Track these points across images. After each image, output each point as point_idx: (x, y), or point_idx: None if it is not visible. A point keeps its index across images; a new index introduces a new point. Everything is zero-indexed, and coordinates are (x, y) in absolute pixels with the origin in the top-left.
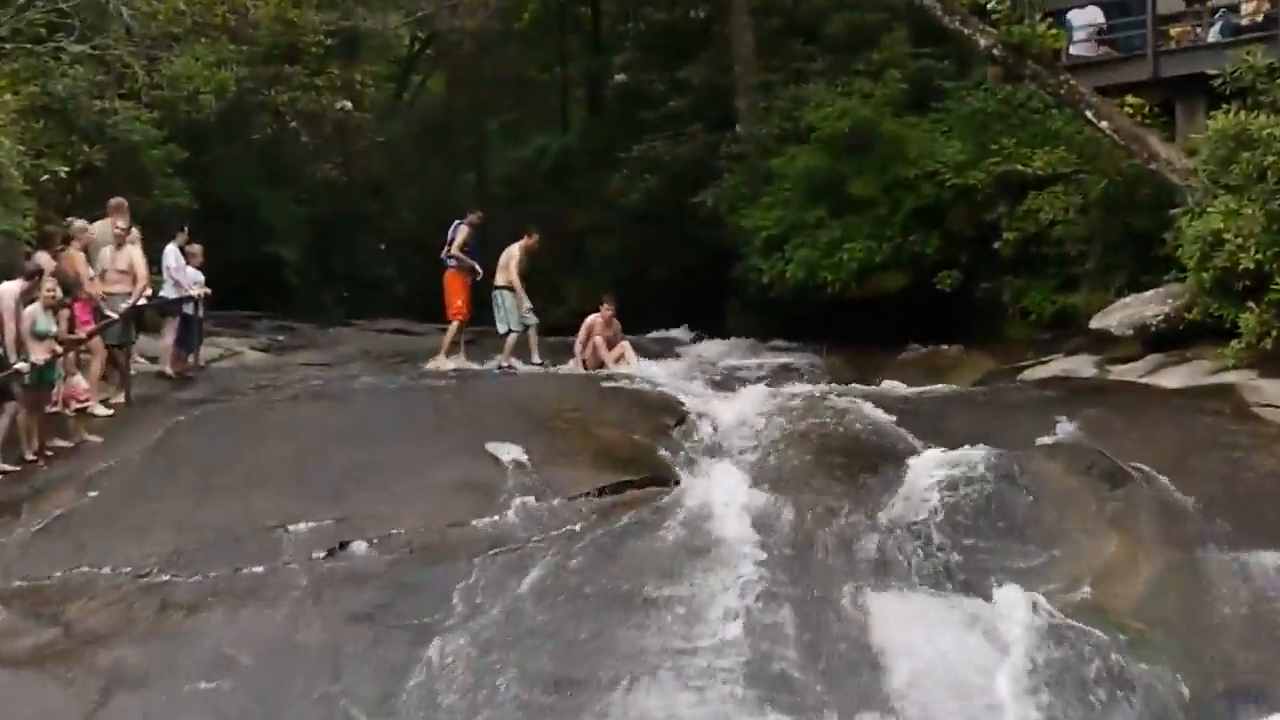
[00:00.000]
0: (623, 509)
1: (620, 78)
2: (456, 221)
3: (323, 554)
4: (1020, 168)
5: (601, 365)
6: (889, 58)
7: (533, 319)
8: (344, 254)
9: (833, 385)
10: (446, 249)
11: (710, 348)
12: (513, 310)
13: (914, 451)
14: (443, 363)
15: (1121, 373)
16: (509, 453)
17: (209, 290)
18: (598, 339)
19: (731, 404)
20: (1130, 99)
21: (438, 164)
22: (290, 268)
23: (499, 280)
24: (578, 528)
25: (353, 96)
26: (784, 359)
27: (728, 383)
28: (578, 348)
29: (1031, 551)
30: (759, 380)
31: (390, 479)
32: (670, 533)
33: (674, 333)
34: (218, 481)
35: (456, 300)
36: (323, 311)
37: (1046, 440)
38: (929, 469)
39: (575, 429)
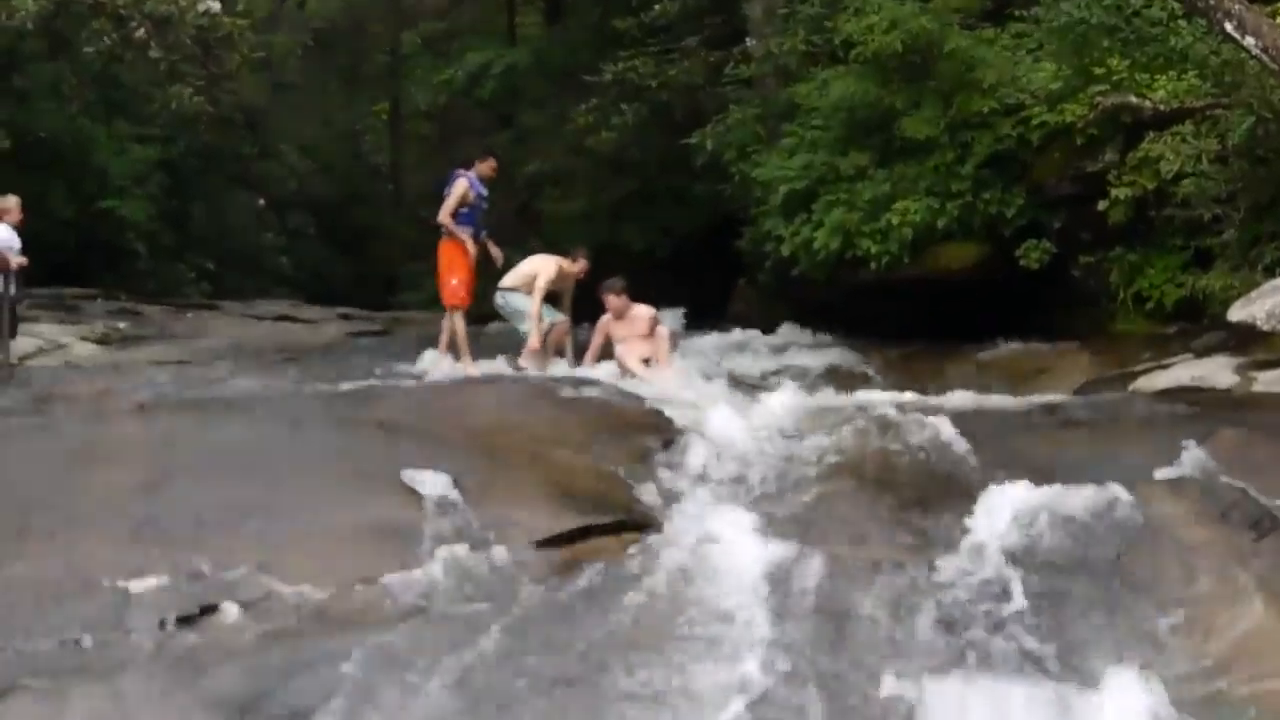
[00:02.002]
0: (586, 563)
1: None
2: (454, 171)
3: (177, 621)
4: (1135, 100)
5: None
6: None
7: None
8: (208, 213)
9: (879, 394)
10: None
11: (710, 342)
12: (522, 311)
13: (988, 486)
14: (442, 363)
15: (1271, 381)
16: (434, 485)
17: (24, 260)
18: (620, 348)
19: (739, 420)
20: None
21: (337, 91)
22: (134, 231)
23: (508, 282)
24: (525, 589)
25: None
26: (811, 358)
27: (735, 389)
28: (588, 358)
29: (1149, 623)
30: (775, 386)
31: (271, 520)
32: (651, 597)
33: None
34: (35, 523)
35: (449, 278)
36: (179, 290)
37: (1169, 473)
38: (1009, 510)
39: (524, 454)
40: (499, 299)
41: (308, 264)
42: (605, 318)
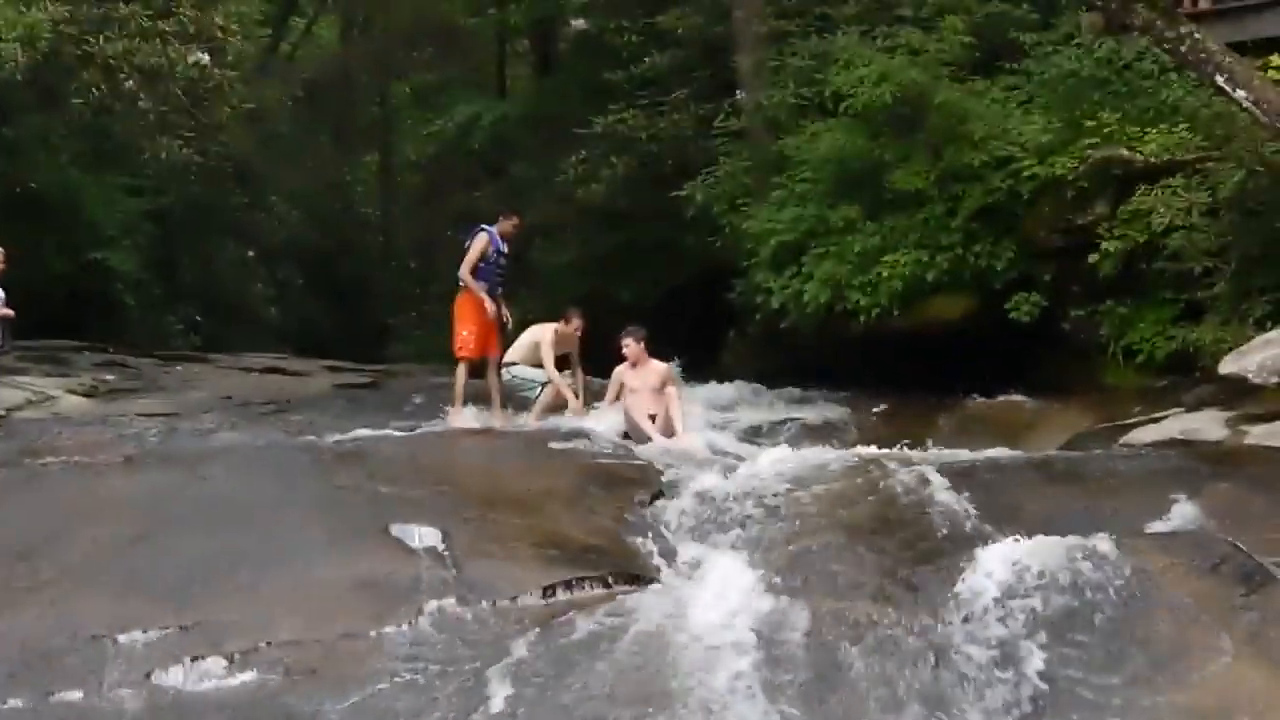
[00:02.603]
0: (578, 616)
1: (579, 24)
2: (475, 226)
3: (165, 674)
4: (1126, 153)
5: (643, 437)
6: (948, 1)
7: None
8: (197, 264)
9: (869, 449)
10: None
11: (701, 394)
12: (530, 380)
13: (981, 541)
14: (465, 413)
15: (1262, 435)
16: (422, 539)
17: (10, 311)
18: (630, 400)
19: (730, 474)
20: (1277, 59)
21: (327, 142)
22: (123, 282)
23: (511, 357)
24: (514, 642)
25: (211, 47)
26: (800, 412)
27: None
28: (606, 404)
29: (1138, 680)
30: (764, 441)
31: (259, 574)
32: (641, 651)
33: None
34: (22, 576)
35: (461, 330)
36: (168, 342)
37: (1160, 527)
38: (1001, 564)
39: (513, 507)
40: (505, 375)
41: (296, 315)
42: (622, 366)
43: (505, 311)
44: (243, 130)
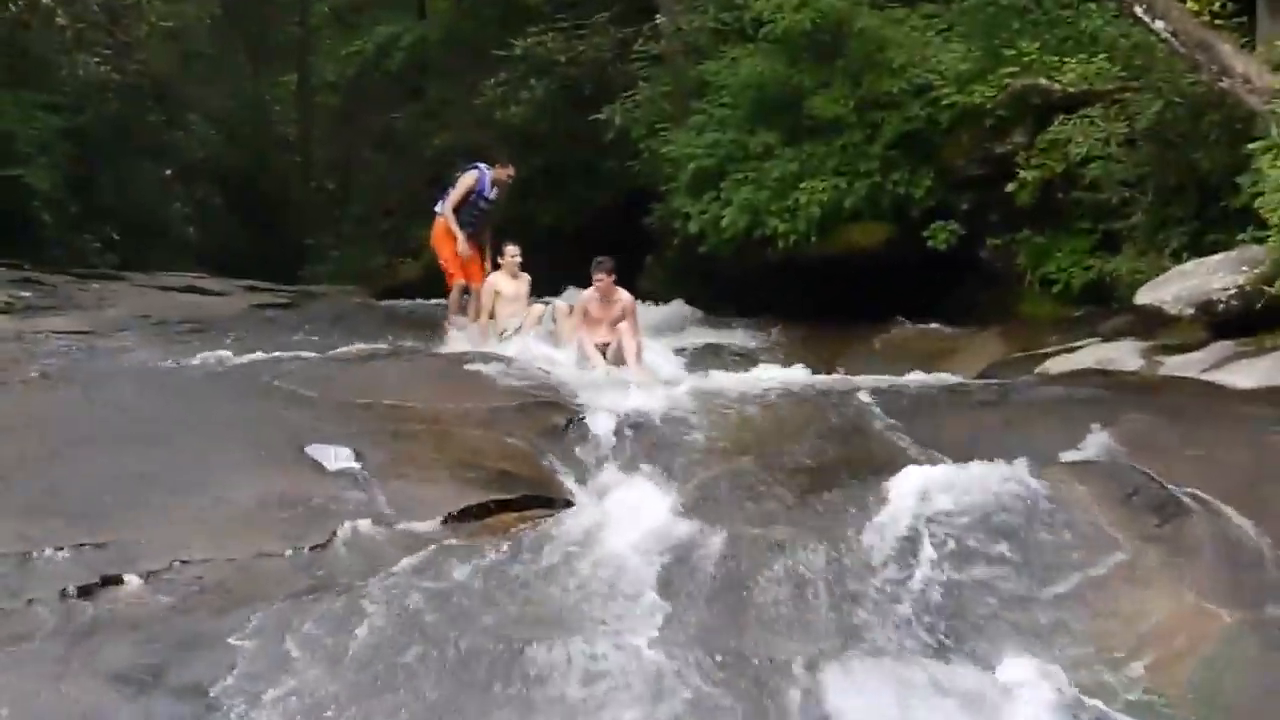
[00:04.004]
0: (492, 538)
1: None
2: (465, 165)
3: (79, 591)
4: (1044, 82)
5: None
6: None
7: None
8: (115, 182)
9: (787, 373)
10: (440, 198)
11: None
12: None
13: (895, 466)
14: (455, 338)
15: (1177, 366)
16: (337, 459)
17: None
18: (583, 331)
19: (645, 398)
20: None
21: (246, 61)
22: (39, 199)
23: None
24: (429, 565)
25: None
26: (717, 337)
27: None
28: (578, 332)
29: (1050, 606)
30: (682, 365)
31: (173, 493)
32: (555, 573)
33: (560, 300)
34: None
35: (444, 251)
36: (85, 260)
37: (1074, 456)
38: (914, 490)
39: (428, 429)
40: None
41: (215, 235)
42: (588, 293)
43: (485, 257)
44: (161, 48)
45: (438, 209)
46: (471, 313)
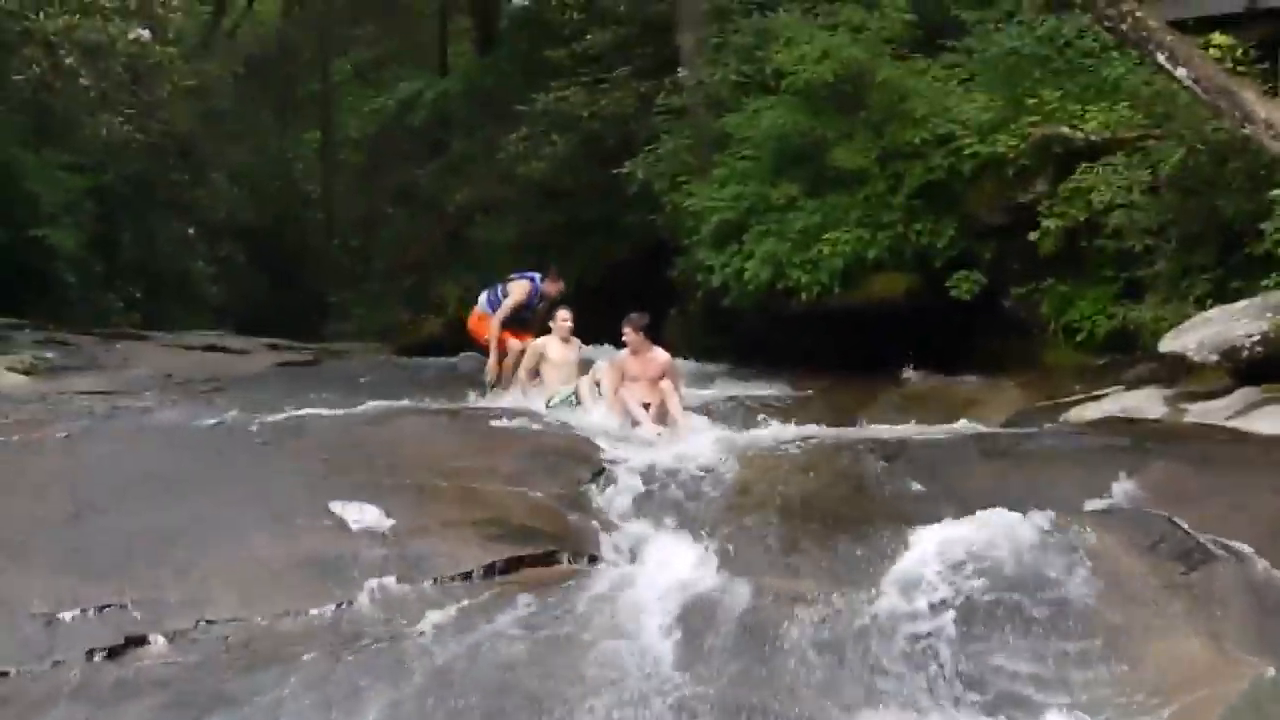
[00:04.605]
0: (518, 594)
1: (520, 2)
2: (517, 275)
3: (105, 651)
4: (1067, 131)
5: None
6: None
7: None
8: (138, 241)
9: (810, 426)
10: (490, 296)
11: None
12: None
13: (920, 517)
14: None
15: (1202, 413)
16: (362, 516)
17: None
18: (625, 389)
19: (670, 453)
20: (1218, 37)
21: (269, 118)
22: (63, 259)
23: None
24: (454, 621)
25: (152, 22)
26: (742, 389)
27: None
28: (609, 395)
29: (1076, 658)
30: (707, 419)
31: (198, 550)
32: (582, 629)
33: (602, 361)
34: None
35: (484, 333)
36: (108, 319)
37: (1099, 504)
38: (938, 542)
39: (453, 486)
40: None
41: (237, 292)
42: (622, 354)
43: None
44: (184, 106)
45: (483, 305)
46: (511, 368)
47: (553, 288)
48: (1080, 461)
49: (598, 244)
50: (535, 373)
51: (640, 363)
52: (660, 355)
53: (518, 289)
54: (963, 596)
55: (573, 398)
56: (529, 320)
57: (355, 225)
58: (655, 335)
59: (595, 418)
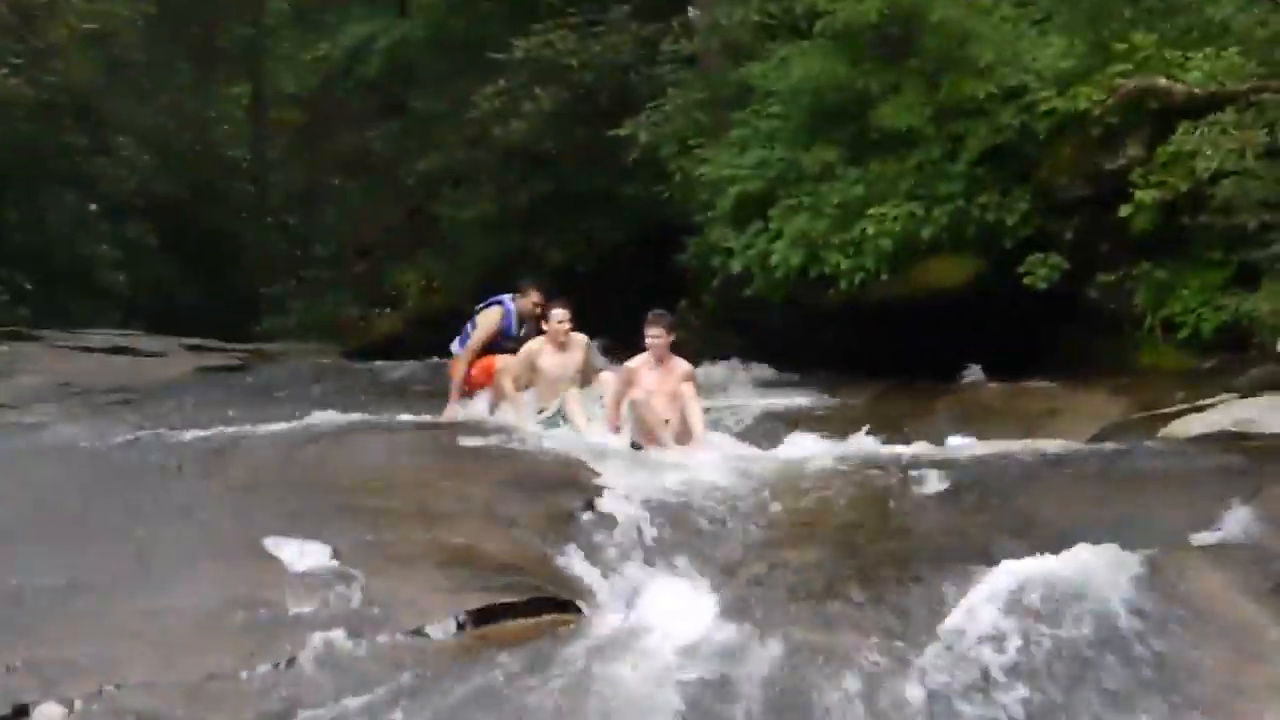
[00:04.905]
0: (494, 651)
1: None
2: (492, 300)
3: None
4: (1164, 82)
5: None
6: None
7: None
8: (27, 221)
9: (852, 443)
10: (461, 338)
11: None
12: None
13: (986, 555)
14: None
15: None
16: (304, 556)
17: None
18: (643, 402)
19: (680, 478)
20: None
21: (187, 71)
22: None
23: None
24: (417, 684)
25: None
26: (766, 398)
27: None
28: (609, 409)
29: None
30: (725, 436)
31: (104, 600)
32: (573, 692)
33: (609, 372)
34: None
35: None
36: None
37: (1208, 538)
38: (1009, 587)
39: (415, 518)
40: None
41: (150, 283)
42: (638, 361)
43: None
44: (83, 56)
45: (455, 349)
46: (496, 385)
47: (526, 302)
48: (1184, 486)
49: (591, 222)
50: (526, 384)
51: (660, 373)
52: (682, 365)
53: (485, 319)
54: (1038, 652)
55: (559, 416)
56: (514, 350)
57: (293, 201)
58: None
59: (593, 439)
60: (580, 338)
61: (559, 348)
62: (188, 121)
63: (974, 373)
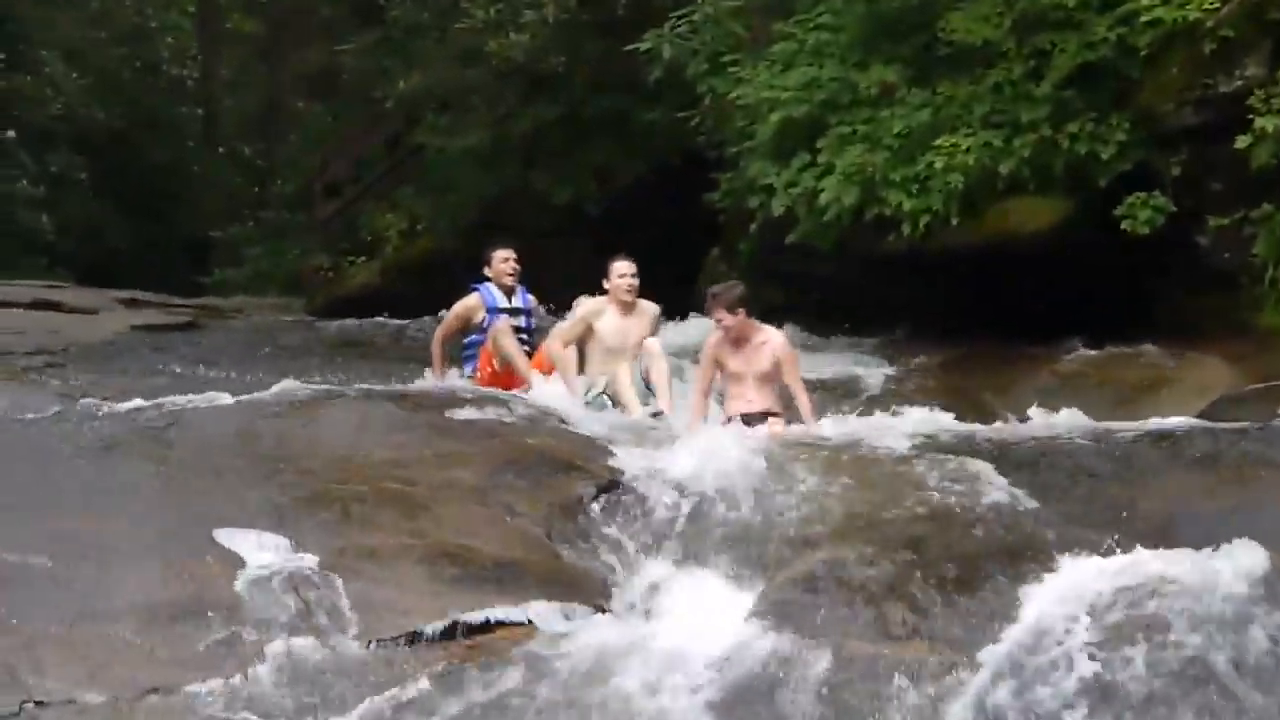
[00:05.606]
0: (486, 663)
1: None
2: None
3: None
4: None
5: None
6: None
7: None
8: None
9: (915, 419)
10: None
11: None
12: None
13: (1067, 553)
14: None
15: None
16: (262, 550)
17: None
18: (732, 393)
19: (706, 460)
20: None
21: None
22: None
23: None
24: (397, 701)
25: None
26: (815, 364)
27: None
28: (696, 394)
29: None
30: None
31: (25, 599)
32: (583, 711)
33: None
34: None
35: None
36: None
37: None
38: (1095, 587)
39: (395, 506)
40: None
41: (79, 226)
42: (714, 340)
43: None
44: None
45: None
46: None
47: (501, 266)
48: None
49: (604, 154)
50: (579, 353)
51: (743, 354)
52: (775, 339)
53: (458, 306)
54: (1129, 666)
55: (604, 396)
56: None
57: (250, 128)
58: (690, 284)
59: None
60: (650, 306)
61: (623, 310)
62: (123, 36)
63: (1063, 335)
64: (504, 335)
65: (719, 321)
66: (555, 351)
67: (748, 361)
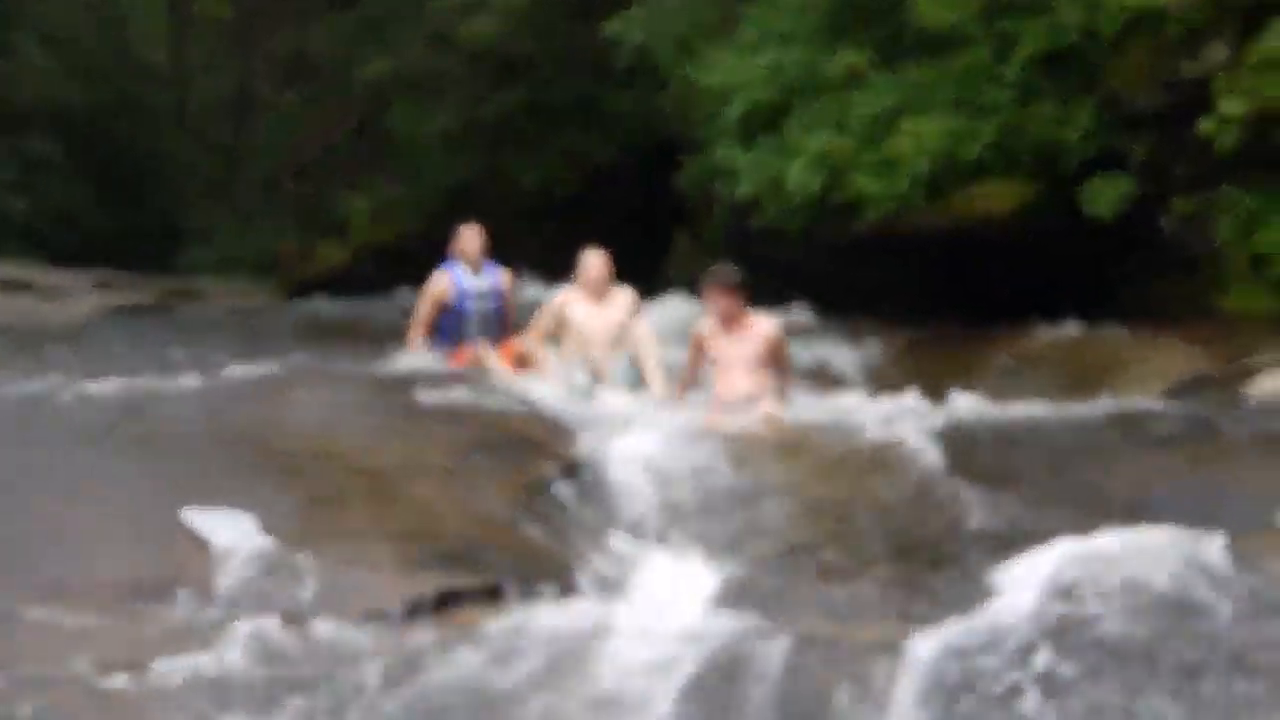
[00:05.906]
0: (453, 643)
1: None
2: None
3: None
4: None
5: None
6: None
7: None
8: None
9: (881, 402)
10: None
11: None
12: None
13: (1034, 534)
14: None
15: None
16: (229, 530)
17: None
18: (722, 379)
19: (675, 441)
20: None
21: None
22: None
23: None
24: (361, 681)
25: None
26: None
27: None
28: (678, 388)
29: None
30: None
31: (0, 580)
32: (548, 689)
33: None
34: None
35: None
36: None
37: None
38: (1056, 570)
39: (363, 486)
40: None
41: (51, 207)
42: (706, 324)
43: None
44: None
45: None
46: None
47: (467, 245)
48: (1272, 453)
49: (573, 138)
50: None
51: (732, 340)
52: (765, 327)
53: (428, 288)
54: (1087, 649)
55: (585, 384)
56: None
57: (221, 112)
58: (655, 267)
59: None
60: (627, 293)
61: (594, 298)
62: (96, 19)
63: (1029, 318)
64: (529, 332)
65: (715, 300)
66: (530, 344)
67: (738, 345)
